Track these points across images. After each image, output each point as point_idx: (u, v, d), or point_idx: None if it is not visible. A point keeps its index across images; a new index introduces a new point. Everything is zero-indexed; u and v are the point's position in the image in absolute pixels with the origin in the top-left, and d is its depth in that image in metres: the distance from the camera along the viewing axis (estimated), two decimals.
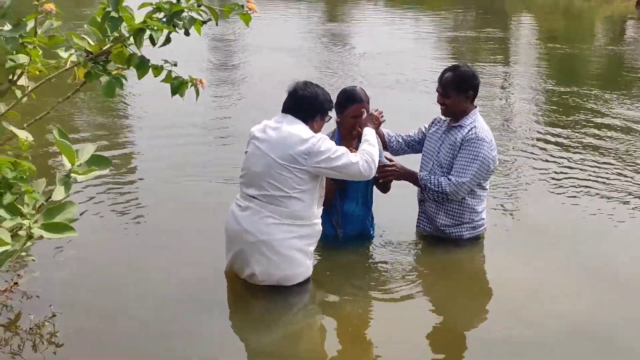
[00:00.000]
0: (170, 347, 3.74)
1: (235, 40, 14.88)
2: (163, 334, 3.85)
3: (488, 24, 19.15)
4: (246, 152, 4.25)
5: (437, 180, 4.73)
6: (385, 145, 5.02)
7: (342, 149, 4.15)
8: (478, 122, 4.75)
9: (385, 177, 4.76)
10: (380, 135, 4.83)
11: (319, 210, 4.24)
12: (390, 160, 4.82)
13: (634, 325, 4.07)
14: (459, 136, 4.73)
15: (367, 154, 4.20)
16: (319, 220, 4.25)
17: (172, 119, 8.21)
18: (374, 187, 4.87)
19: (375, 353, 3.85)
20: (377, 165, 4.25)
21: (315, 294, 4.28)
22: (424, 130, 5.13)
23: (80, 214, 5.26)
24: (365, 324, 4.16)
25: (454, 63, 4.97)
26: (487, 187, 4.93)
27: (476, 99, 4.83)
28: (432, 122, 5.06)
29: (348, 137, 4.62)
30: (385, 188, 4.93)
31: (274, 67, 11.81)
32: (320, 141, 4.04)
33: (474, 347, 3.89)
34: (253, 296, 4.21)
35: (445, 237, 4.92)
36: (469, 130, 4.70)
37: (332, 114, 4.41)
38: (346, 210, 4.80)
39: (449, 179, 4.69)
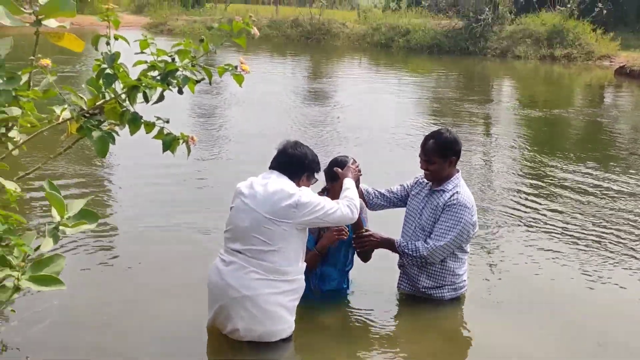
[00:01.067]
0: None
1: (217, 94, 15.00)
2: None
3: (469, 87, 19.50)
4: (232, 207, 4.29)
5: (414, 245, 4.79)
6: (364, 202, 5.07)
7: (323, 198, 4.25)
8: (460, 187, 4.82)
9: (363, 247, 4.85)
10: (359, 193, 4.88)
11: (302, 265, 4.27)
12: (367, 230, 4.88)
13: None
14: (442, 200, 4.80)
15: (348, 200, 4.34)
16: (303, 276, 4.28)
17: (154, 171, 8.25)
18: (355, 255, 4.97)
19: None
20: (359, 210, 4.37)
21: (296, 352, 4.27)
22: (406, 187, 5.19)
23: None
24: None
25: (436, 128, 5.05)
26: (468, 249, 4.99)
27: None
28: (415, 182, 5.13)
29: None
30: (366, 257, 5.04)
31: (256, 123, 11.92)
32: (306, 194, 4.15)
33: None
34: (235, 352, 4.19)
35: (426, 297, 4.95)
36: (452, 195, 4.77)
37: (318, 176, 4.49)
38: (324, 272, 4.86)
39: (427, 243, 4.76)
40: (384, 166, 8.83)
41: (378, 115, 13.15)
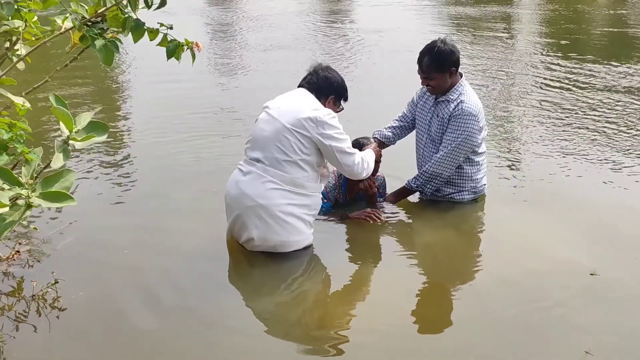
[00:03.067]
0: (171, 313, 3.74)
1: (229, 10, 14.72)
2: (162, 301, 3.84)
3: None
4: (256, 120, 4.31)
5: (422, 173, 4.87)
6: (384, 145, 5.09)
7: (348, 137, 4.25)
8: (465, 95, 4.77)
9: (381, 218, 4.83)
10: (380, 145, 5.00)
11: (320, 186, 4.28)
12: (380, 203, 4.95)
13: (625, 277, 4.07)
14: (447, 111, 4.78)
15: (365, 157, 4.37)
16: (320, 195, 4.30)
17: (170, 89, 8.19)
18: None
19: (371, 312, 3.80)
20: (368, 172, 4.40)
21: (312, 261, 4.28)
22: (414, 101, 5.13)
23: (77, 182, 5.27)
24: (361, 284, 4.18)
25: (432, 40, 4.86)
26: (483, 150, 4.97)
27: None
28: (422, 92, 5.06)
29: (354, 186, 4.86)
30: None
31: (275, 40, 11.65)
32: (330, 115, 4.14)
33: (467, 296, 3.96)
34: (251, 262, 4.23)
35: (448, 200, 5.00)
36: (456, 105, 4.74)
37: (344, 105, 4.49)
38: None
39: (432, 161, 4.80)
40: (396, 74, 8.67)
41: (394, 21, 12.82)
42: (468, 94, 4.78)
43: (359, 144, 4.77)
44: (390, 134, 5.13)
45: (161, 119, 7.13)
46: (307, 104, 4.15)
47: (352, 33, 11.77)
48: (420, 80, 4.83)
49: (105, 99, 8.09)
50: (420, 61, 4.77)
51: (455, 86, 4.78)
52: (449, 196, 4.96)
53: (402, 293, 3.95)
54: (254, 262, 4.22)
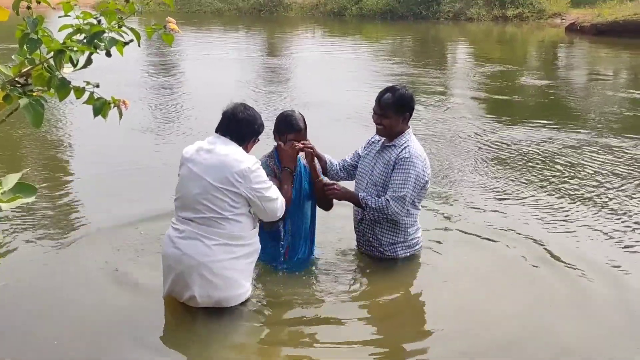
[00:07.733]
0: None
1: (171, 73, 14.78)
2: None
3: (423, 51, 19.50)
4: (179, 174, 4.21)
5: (377, 200, 4.78)
6: (325, 170, 5.05)
7: (271, 182, 4.20)
8: (412, 142, 4.81)
9: (328, 195, 4.81)
10: (320, 158, 4.92)
11: (255, 230, 4.27)
12: (323, 181, 4.86)
13: (562, 335, 4.14)
14: (393, 155, 4.78)
15: (284, 199, 4.32)
16: (257, 239, 4.28)
17: (102, 148, 8.19)
18: (317, 206, 4.95)
19: None
20: (282, 209, 4.30)
21: (253, 317, 4.25)
22: (360, 152, 5.17)
23: (5, 241, 5.17)
24: (304, 345, 4.12)
25: (392, 84, 4.95)
26: (420, 207, 4.99)
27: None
28: (367, 143, 5.10)
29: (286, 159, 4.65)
30: (328, 206, 5.00)
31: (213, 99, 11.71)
32: (256, 166, 4.07)
33: None
34: (192, 319, 4.17)
35: (381, 256, 4.96)
36: (403, 149, 4.76)
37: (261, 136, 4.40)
38: (293, 244, 4.85)
39: (388, 197, 4.74)
40: (339, 142, 8.78)
41: (334, 88, 13.01)
42: (414, 141, 4.83)
43: (284, 121, 4.64)
44: (335, 164, 5.11)
45: (94, 177, 7.12)
46: (232, 157, 4.04)
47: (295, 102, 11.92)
48: (373, 118, 4.84)
49: (35, 159, 7.99)
50: (379, 98, 4.78)
51: (404, 134, 4.82)
52: (380, 249, 4.93)
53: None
54: (195, 318, 4.16)
